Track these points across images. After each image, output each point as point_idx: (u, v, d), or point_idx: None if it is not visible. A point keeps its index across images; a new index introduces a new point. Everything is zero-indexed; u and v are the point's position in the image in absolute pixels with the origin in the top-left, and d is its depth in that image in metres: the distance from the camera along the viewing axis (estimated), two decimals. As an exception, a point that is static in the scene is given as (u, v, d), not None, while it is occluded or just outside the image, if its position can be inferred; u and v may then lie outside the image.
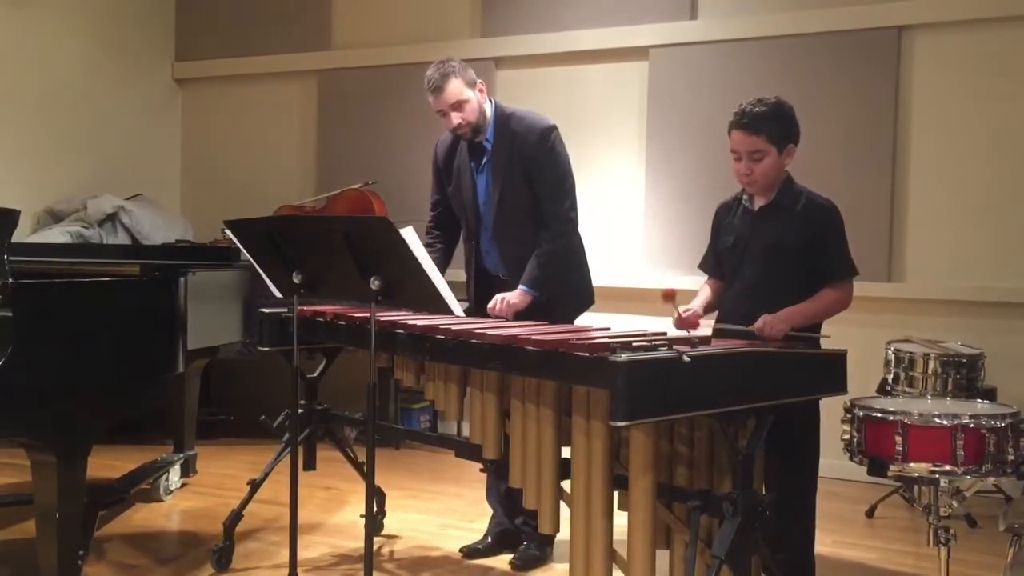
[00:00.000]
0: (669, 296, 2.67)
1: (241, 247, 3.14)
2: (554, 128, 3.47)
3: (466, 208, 3.56)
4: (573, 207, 3.49)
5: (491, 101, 3.53)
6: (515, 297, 3.35)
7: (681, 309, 2.88)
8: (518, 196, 3.45)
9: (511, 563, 3.46)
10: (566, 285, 3.50)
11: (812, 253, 2.88)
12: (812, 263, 2.89)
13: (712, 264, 3.16)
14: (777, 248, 2.90)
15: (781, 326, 2.72)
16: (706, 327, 2.92)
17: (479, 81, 3.49)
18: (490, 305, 3.38)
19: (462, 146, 3.55)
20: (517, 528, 3.56)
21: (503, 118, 3.49)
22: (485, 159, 3.51)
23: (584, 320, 3.49)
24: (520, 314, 3.33)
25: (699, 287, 3.20)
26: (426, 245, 3.63)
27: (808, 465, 2.96)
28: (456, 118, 3.42)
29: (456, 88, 3.39)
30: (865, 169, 4.85)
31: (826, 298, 2.86)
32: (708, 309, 3.08)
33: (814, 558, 3.02)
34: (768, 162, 2.87)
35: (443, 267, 3.65)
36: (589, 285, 3.62)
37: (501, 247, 3.52)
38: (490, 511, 3.68)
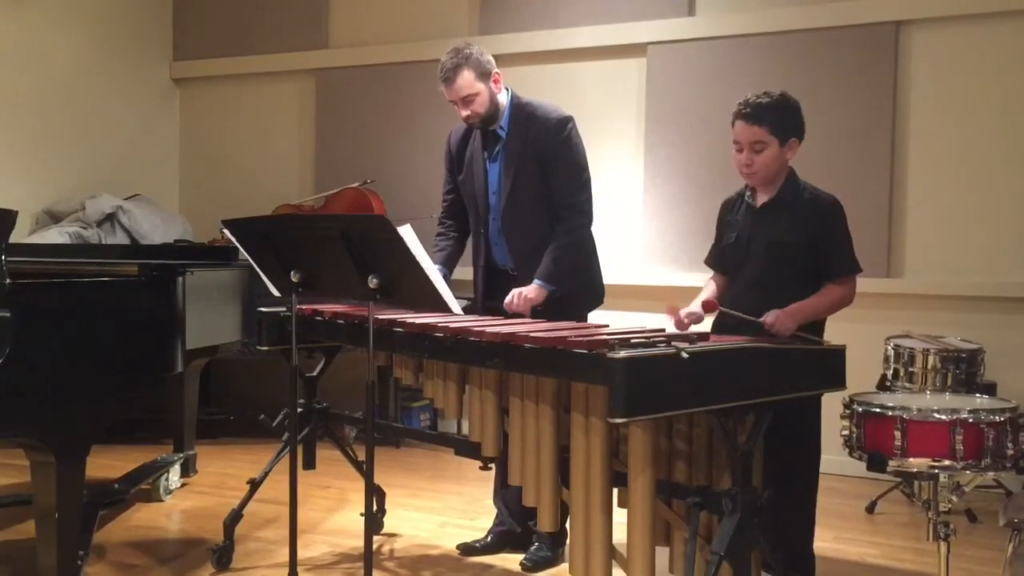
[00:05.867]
0: (672, 311, 2.72)
1: (239, 246, 3.14)
2: (570, 119, 3.44)
3: (476, 197, 3.51)
4: (589, 200, 3.44)
5: (507, 90, 3.48)
6: (531, 292, 3.30)
7: (682, 313, 2.87)
8: (530, 186, 3.41)
9: (521, 564, 3.42)
10: (581, 280, 3.45)
11: (816, 249, 2.87)
12: (815, 259, 2.88)
13: (717, 259, 3.16)
14: (781, 244, 2.89)
15: (790, 323, 2.73)
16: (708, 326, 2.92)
17: (495, 71, 3.43)
18: (507, 301, 3.32)
19: (475, 134, 3.52)
20: (529, 530, 3.50)
21: (519, 107, 3.46)
22: (498, 148, 3.47)
23: (587, 317, 3.47)
24: (536, 309, 3.29)
25: (698, 285, 3.20)
26: (438, 235, 3.64)
27: (809, 460, 2.96)
28: (465, 110, 3.40)
29: (466, 81, 3.36)
30: (864, 164, 4.85)
31: (831, 294, 2.86)
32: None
33: (814, 553, 3.02)
34: (769, 154, 2.87)
35: (456, 255, 3.63)
36: (601, 281, 3.56)
37: (510, 238, 3.47)
38: (492, 510, 3.66)
